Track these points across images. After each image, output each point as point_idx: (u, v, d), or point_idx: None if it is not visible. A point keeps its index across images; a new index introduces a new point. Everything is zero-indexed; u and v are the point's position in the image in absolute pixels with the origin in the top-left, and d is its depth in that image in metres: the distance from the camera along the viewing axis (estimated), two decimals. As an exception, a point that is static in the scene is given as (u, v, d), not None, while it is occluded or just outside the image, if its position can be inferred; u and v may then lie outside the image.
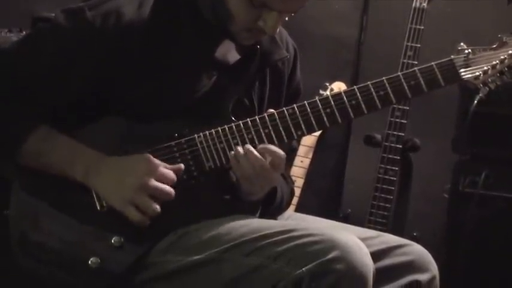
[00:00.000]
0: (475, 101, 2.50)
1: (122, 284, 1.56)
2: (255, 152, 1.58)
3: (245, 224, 1.57)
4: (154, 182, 1.55)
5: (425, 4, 2.76)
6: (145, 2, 1.66)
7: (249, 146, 1.59)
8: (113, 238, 1.57)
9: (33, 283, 1.62)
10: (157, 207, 1.55)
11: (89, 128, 1.64)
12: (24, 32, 2.55)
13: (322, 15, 3.44)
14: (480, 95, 1.65)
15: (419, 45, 2.73)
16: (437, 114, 3.16)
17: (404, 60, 2.72)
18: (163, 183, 1.57)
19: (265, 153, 1.59)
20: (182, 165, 1.61)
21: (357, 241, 1.46)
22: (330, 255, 1.42)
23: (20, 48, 1.69)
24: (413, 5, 2.77)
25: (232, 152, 1.60)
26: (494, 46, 1.65)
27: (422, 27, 2.74)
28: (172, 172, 1.58)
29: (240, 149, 1.60)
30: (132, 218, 1.56)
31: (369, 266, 1.44)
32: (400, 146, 2.77)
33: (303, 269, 1.42)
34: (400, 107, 2.74)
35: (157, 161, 1.58)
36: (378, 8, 3.38)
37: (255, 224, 1.57)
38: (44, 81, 1.63)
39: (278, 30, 1.80)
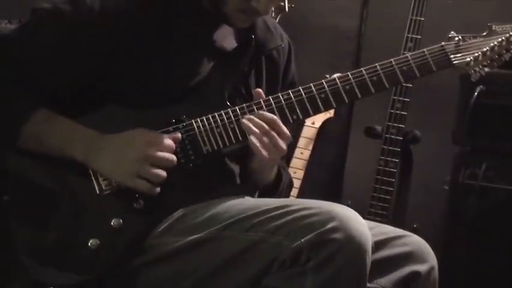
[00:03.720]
0: (476, 93, 2.50)
1: (121, 266, 1.58)
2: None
3: (242, 202, 1.60)
4: (154, 151, 1.57)
5: (425, -5, 2.75)
6: None
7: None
8: (112, 220, 1.58)
9: (32, 269, 1.61)
10: (163, 173, 1.58)
11: (87, 115, 1.65)
12: (23, 23, 2.55)
13: (322, 6, 3.43)
14: (472, 80, 1.71)
15: (419, 37, 2.72)
16: (438, 106, 3.15)
17: (405, 52, 2.71)
18: (164, 152, 1.58)
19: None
20: (179, 134, 1.62)
21: (354, 212, 1.48)
22: (328, 226, 1.43)
23: (21, 32, 1.70)
24: (414, -4, 2.77)
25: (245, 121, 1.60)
26: (484, 34, 1.72)
27: (422, 19, 2.74)
28: (170, 140, 1.60)
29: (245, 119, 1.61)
30: (141, 189, 1.58)
31: (367, 235, 1.45)
32: (401, 138, 2.77)
33: (302, 240, 1.43)
34: (400, 98, 2.74)
35: (154, 132, 1.60)
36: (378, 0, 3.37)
37: (252, 202, 1.61)
38: (43, 64, 1.64)
39: (273, 23, 1.82)
